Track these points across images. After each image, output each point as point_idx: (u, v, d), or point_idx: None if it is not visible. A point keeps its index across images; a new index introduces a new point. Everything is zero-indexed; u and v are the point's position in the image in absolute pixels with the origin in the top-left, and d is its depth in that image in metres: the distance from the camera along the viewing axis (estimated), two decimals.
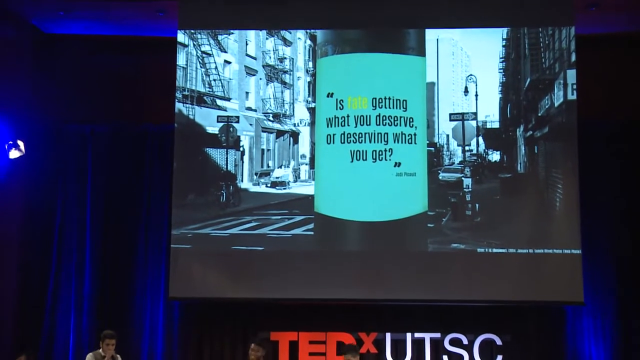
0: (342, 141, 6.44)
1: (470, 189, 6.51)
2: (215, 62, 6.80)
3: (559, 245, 6.30)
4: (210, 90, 6.77)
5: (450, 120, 6.63)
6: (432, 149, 6.62)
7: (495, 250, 6.35)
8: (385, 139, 6.40)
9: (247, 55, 6.90)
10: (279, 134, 6.93)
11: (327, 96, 6.52)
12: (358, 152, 6.41)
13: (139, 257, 6.93)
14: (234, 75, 6.88)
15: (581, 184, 6.33)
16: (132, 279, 6.89)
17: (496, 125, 6.59)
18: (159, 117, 6.96)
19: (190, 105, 6.68)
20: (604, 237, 6.69)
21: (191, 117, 6.68)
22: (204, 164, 6.71)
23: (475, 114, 6.58)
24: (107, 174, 7.05)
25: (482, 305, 6.50)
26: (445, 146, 6.70)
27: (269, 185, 6.79)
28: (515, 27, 6.59)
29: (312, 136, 6.69)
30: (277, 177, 6.82)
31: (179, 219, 6.53)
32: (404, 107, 6.44)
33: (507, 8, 6.51)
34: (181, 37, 6.71)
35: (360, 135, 6.41)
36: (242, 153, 6.80)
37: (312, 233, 6.49)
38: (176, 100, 6.63)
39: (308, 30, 6.79)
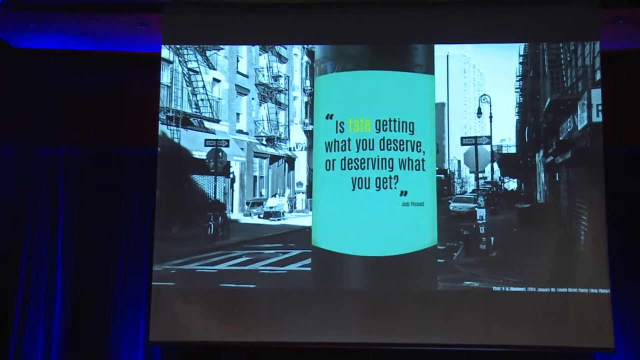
0: (343, 167, 6.25)
1: (484, 221, 6.30)
2: (202, 81, 6.62)
3: (585, 284, 6.02)
4: (197, 111, 6.61)
5: (462, 144, 6.47)
6: (442, 176, 6.49)
7: (513, 288, 6.11)
8: (390, 165, 6.21)
9: (238, 72, 6.80)
10: (273, 159, 6.86)
11: (326, 118, 6.33)
12: (360, 180, 6.22)
13: (116, 296, 6.69)
14: (223, 95, 6.76)
15: (608, 215, 6.08)
16: (107, 320, 6.66)
17: (513, 150, 6.42)
18: (140, 141, 6.83)
19: (175, 128, 6.48)
20: (635, 274, 6.47)
21: (176, 140, 6.48)
22: (190, 192, 6.50)
23: (490, 137, 6.41)
24: (81, 203, 6.84)
25: (498, 351, 6.24)
26: (456, 173, 6.59)
27: (261, 216, 6.63)
28: (533, 42, 6.39)
29: (309, 162, 6.54)
30: (270, 207, 6.68)
31: (161, 253, 6.28)
32: (411, 130, 6.25)
33: (524, 21, 6.30)
34: (165, 52, 6.49)
35: (362, 161, 6.23)
36: (232, 180, 6.67)
37: (309, 269, 6.27)
38: (159, 121, 6.41)
39: (305, 46, 6.67)
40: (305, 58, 6.75)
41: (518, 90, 6.44)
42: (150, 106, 6.47)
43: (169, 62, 6.53)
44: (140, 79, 6.82)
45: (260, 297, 6.24)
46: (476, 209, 6.37)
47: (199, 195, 6.55)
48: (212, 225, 6.45)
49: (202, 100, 6.65)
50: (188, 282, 6.27)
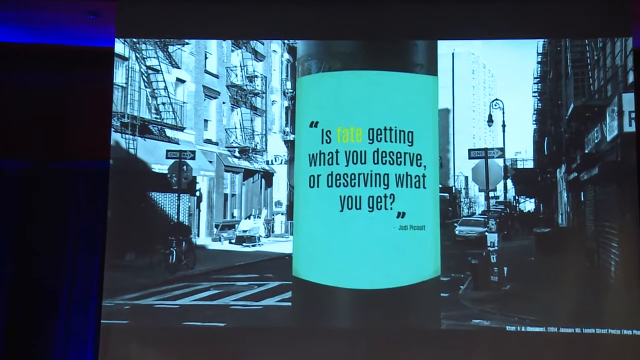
0: (330, 184, 5.99)
1: (496, 248, 6.19)
2: (164, 81, 6.59)
3: (616, 323, 5.80)
4: (158, 117, 6.60)
5: (470, 157, 6.40)
6: (446, 195, 6.46)
7: (530, 328, 5.88)
8: (386, 182, 5.96)
9: (207, 72, 6.81)
10: (248, 174, 6.99)
11: (310, 126, 6.10)
12: (350, 199, 5.96)
13: (58, 337, 6.56)
14: (189, 98, 6.80)
15: None
16: None
17: (530, 164, 6.36)
18: (88, 152, 6.72)
19: (131, 137, 6.35)
20: None
21: (132, 151, 6.36)
22: (148, 212, 6.37)
23: (502, 149, 6.34)
24: (16, 226, 6.73)
25: None
26: (463, 192, 6.63)
27: (233, 241, 6.61)
28: (554, 38, 6.34)
29: (290, 177, 6.52)
30: (244, 231, 6.61)
31: (113, 285, 6.06)
32: (410, 140, 6.01)
33: (543, 14, 6.13)
34: (120, 47, 6.35)
35: (352, 177, 5.97)
36: (199, 199, 6.63)
37: (289, 304, 6.06)
38: (112, 129, 6.25)
39: (286, 41, 6.68)
40: (286, 55, 6.82)
41: (536, 94, 6.39)
42: (102, 111, 6.28)
43: (124, 58, 6.40)
44: (90, 78, 6.71)
45: (231, 338, 6.04)
46: (486, 233, 6.27)
47: (159, 217, 6.43)
48: (175, 252, 6.26)
49: (163, 104, 6.58)
50: (145, 320, 6.06)
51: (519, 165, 6.36)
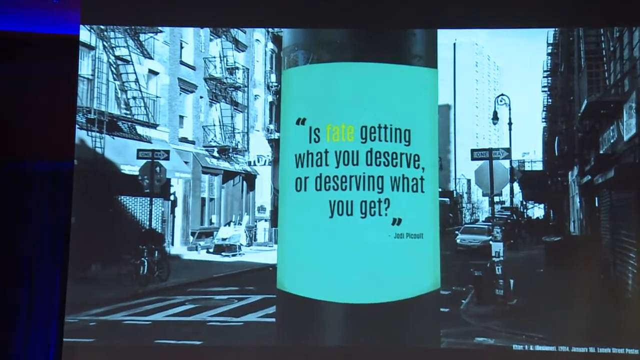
0: (318, 187, 5.79)
1: (501, 258, 6.14)
2: (135, 73, 6.58)
3: (634, 342, 5.69)
4: (128, 112, 6.61)
5: (473, 159, 6.38)
6: (447, 199, 6.59)
7: (539, 347, 5.76)
8: (380, 185, 5.76)
9: (182, 63, 6.84)
10: (228, 176, 7.07)
11: (297, 123, 5.91)
12: (340, 204, 5.75)
13: (16, 358, 6.56)
14: (162, 92, 6.94)
15: None
16: None
17: (539, 166, 6.47)
18: (50, 151, 6.68)
19: (97, 134, 6.31)
20: None
21: (99, 150, 6.31)
22: (117, 219, 6.32)
23: (509, 150, 6.31)
24: None
25: None
26: (465, 196, 6.63)
27: (211, 250, 6.62)
28: (566, 27, 6.38)
29: (274, 180, 6.45)
30: (223, 239, 6.63)
31: (77, 299, 5.95)
32: (407, 139, 5.83)
33: (554, 0, 6.02)
34: (85, 35, 6.29)
35: (343, 180, 5.77)
36: (174, 204, 6.83)
37: (273, 320, 5.90)
38: (77, 126, 6.16)
39: (270, 29, 6.65)
40: (270, 45, 6.82)
41: (545, 89, 6.46)
42: (65, 106, 6.22)
43: (91, 47, 6.37)
44: (52, 69, 6.66)
45: (208, 358, 5.93)
46: (491, 242, 6.25)
47: (128, 223, 6.45)
48: (146, 263, 6.23)
49: (134, 98, 6.57)
50: (112, 338, 5.94)
51: (527, 168, 6.37)
